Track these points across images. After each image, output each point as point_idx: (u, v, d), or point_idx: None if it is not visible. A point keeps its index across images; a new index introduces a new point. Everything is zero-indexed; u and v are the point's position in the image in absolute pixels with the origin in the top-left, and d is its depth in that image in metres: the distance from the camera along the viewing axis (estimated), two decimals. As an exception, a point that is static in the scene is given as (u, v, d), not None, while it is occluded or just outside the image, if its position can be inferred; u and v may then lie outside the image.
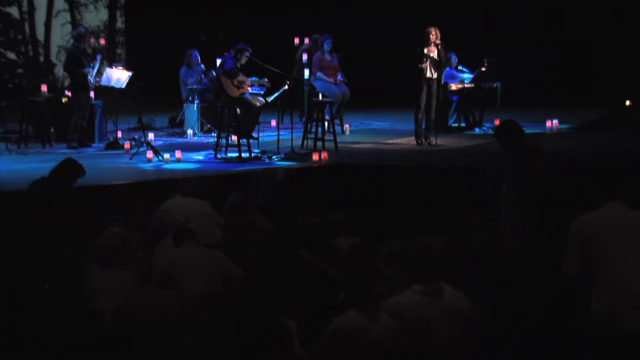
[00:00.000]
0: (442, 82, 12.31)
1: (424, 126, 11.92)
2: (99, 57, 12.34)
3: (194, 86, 13.50)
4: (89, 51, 12.40)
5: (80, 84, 11.96)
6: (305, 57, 13.78)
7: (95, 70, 12.15)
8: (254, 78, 11.67)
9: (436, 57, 11.65)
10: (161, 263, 5.65)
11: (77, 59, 11.96)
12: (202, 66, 13.73)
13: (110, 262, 5.33)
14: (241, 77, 11.34)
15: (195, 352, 3.64)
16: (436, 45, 11.61)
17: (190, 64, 13.66)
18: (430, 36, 11.57)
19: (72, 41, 13.51)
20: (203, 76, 13.67)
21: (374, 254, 5.53)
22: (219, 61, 12.43)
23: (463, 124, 14.04)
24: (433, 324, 4.32)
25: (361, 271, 4.51)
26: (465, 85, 13.85)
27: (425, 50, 11.58)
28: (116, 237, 5.45)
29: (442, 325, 4.30)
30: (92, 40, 12.72)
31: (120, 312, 4.83)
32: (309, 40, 14.54)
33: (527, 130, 13.37)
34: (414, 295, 4.41)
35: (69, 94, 12.59)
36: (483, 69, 13.79)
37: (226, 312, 4.79)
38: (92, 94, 12.62)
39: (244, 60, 11.46)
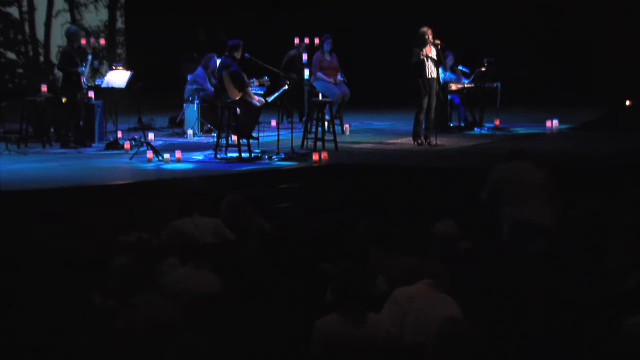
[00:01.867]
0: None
1: (423, 126, 11.93)
2: (89, 57, 12.23)
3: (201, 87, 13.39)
4: (89, 51, 12.36)
5: (74, 83, 11.91)
6: (305, 57, 13.79)
7: (87, 70, 12.09)
8: (254, 80, 11.62)
9: (434, 57, 11.66)
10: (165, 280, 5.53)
11: (71, 58, 11.93)
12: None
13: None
14: (250, 90, 11.29)
15: (183, 354, 3.62)
16: (435, 45, 11.62)
17: (207, 67, 13.50)
18: (428, 37, 11.58)
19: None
20: (213, 77, 13.49)
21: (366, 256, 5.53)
22: (218, 61, 12.42)
23: (463, 124, 14.03)
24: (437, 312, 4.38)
25: (352, 273, 4.50)
26: (465, 85, 13.86)
27: (424, 51, 11.59)
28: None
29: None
30: (93, 40, 12.68)
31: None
32: (309, 40, 14.57)
33: (527, 131, 13.53)
34: (423, 286, 4.58)
35: None
36: (483, 68, 13.80)
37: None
38: (91, 93, 12.62)
39: (239, 55, 11.38)
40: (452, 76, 13.87)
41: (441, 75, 12.86)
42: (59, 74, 20.51)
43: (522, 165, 7.37)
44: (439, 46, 11.64)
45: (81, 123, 12.13)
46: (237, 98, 11.16)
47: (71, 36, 12.21)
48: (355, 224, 6.32)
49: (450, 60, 13.83)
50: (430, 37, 11.61)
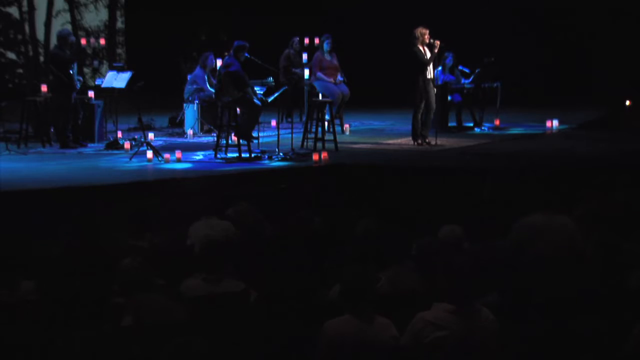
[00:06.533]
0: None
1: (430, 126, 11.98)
2: (74, 65, 12.10)
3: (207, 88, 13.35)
4: (89, 51, 12.33)
5: (66, 85, 11.85)
6: (305, 57, 13.79)
7: (75, 72, 12.04)
8: (257, 86, 11.59)
9: (432, 57, 11.71)
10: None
11: (57, 60, 11.89)
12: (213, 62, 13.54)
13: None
14: (250, 90, 11.29)
15: (180, 355, 3.61)
16: (430, 46, 11.64)
17: (205, 66, 13.46)
18: (426, 37, 11.60)
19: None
20: (212, 77, 13.43)
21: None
22: (219, 61, 12.41)
23: (463, 124, 14.02)
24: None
25: (361, 275, 4.49)
26: (465, 86, 13.86)
27: (425, 51, 11.61)
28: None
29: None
30: (92, 40, 12.65)
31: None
32: (309, 41, 14.56)
33: (527, 131, 13.53)
34: (446, 314, 4.28)
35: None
36: (478, 70, 13.83)
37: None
38: (91, 93, 12.60)
39: (244, 57, 11.39)
40: (451, 78, 13.86)
41: (439, 75, 12.88)
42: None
43: (543, 220, 6.12)
44: (436, 47, 11.64)
45: (79, 122, 12.13)
46: (235, 98, 11.12)
47: (61, 39, 12.17)
48: (354, 225, 6.32)
49: (450, 61, 13.82)
50: (427, 37, 11.62)
